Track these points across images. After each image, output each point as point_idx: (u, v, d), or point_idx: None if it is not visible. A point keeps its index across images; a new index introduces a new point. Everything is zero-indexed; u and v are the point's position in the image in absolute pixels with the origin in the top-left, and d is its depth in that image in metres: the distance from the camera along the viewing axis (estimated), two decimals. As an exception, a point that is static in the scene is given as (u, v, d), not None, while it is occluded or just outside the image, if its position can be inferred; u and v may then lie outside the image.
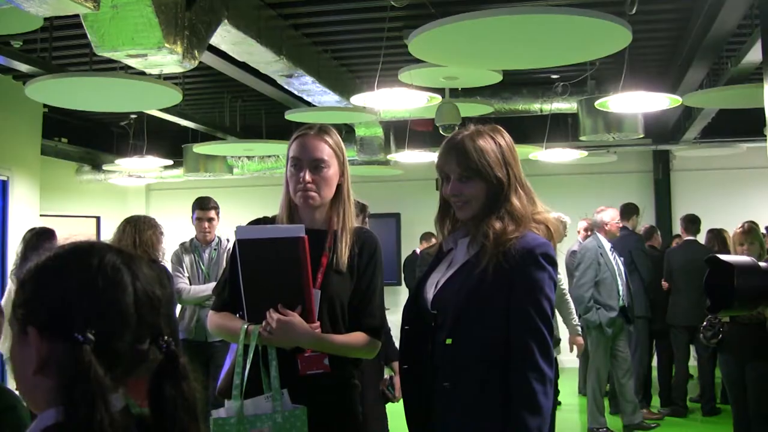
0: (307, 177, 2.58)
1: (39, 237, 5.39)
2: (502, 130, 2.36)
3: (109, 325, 1.24)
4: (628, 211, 7.90)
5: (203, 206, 5.92)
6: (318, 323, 2.47)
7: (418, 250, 9.96)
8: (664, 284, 7.84)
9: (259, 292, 2.47)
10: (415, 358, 2.30)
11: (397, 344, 2.72)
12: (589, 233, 8.23)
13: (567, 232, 6.88)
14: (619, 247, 7.56)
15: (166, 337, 1.31)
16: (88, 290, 1.25)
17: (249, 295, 2.47)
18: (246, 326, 2.47)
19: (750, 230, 5.47)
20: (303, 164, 2.59)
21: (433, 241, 9.67)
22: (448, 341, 2.19)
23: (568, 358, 9.36)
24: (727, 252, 7.88)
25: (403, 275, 10.90)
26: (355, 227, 2.69)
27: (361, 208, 4.30)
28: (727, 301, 2.02)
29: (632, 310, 6.98)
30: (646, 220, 10.09)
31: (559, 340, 5.75)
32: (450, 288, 2.27)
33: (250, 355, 2.42)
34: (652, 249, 8.23)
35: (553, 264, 2.20)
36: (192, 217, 5.98)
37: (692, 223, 7.94)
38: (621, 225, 7.44)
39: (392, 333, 4.08)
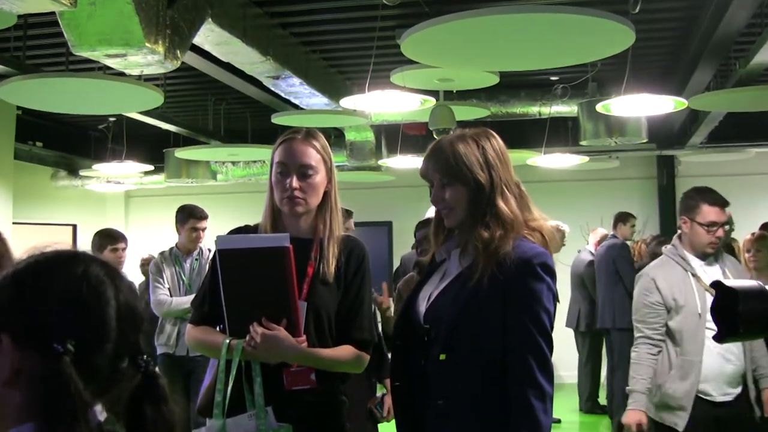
0: (295, 183, 2.57)
1: None
2: (492, 134, 2.36)
3: (90, 338, 1.24)
4: (621, 218, 8.04)
5: (200, 216, 5.94)
6: (304, 337, 2.46)
7: None
8: None
9: (242, 304, 2.46)
10: (407, 374, 2.29)
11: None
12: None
13: (566, 241, 6.92)
14: (605, 257, 7.64)
15: (145, 357, 1.30)
16: (70, 300, 1.24)
17: (230, 308, 2.46)
18: (228, 341, 2.45)
19: (761, 238, 5.47)
20: (290, 170, 2.59)
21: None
22: (442, 357, 2.18)
23: (567, 373, 9.37)
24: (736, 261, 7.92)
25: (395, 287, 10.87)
26: (342, 235, 2.69)
27: (346, 214, 4.31)
28: (733, 328, 2.01)
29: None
30: (650, 228, 10.12)
31: None
32: (443, 301, 2.27)
33: (233, 372, 2.41)
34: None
35: (552, 274, 2.20)
36: (178, 225, 5.97)
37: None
38: (608, 233, 7.56)
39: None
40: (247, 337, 2.42)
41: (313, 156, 2.61)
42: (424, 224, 4.67)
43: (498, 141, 2.34)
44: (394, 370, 2.37)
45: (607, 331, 7.86)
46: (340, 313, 2.60)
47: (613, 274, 7.58)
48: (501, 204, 2.25)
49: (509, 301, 2.16)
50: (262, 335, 2.40)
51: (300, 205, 2.59)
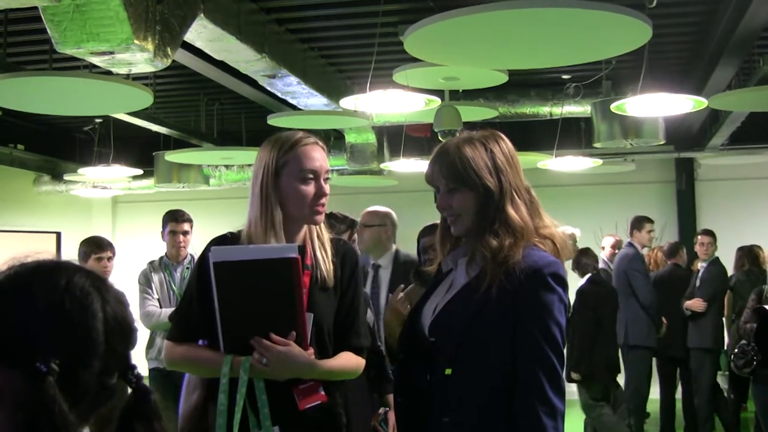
0: (328, 190, 2.65)
1: None
2: (501, 136, 2.37)
3: (76, 355, 1.23)
4: (636, 223, 7.97)
5: (177, 218, 5.92)
6: (312, 350, 2.49)
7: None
8: (695, 304, 7.77)
9: (242, 319, 2.47)
10: (412, 390, 2.30)
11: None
12: (616, 250, 8.29)
13: (576, 247, 6.94)
14: (616, 268, 7.63)
15: (136, 371, 1.29)
16: (53, 314, 1.23)
17: (227, 323, 2.46)
18: (231, 358, 2.46)
19: None
20: (319, 176, 2.64)
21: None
22: (448, 371, 2.19)
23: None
24: (759, 270, 7.91)
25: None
26: (331, 238, 2.74)
27: (350, 224, 4.29)
28: None
29: None
30: (668, 235, 10.10)
31: None
32: (449, 313, 2.27)
33: (242, 390, 2.42)
34: (676, 267, 8.24)
35: (564, 285, 2.20)
36: (163, 232, 5.98)
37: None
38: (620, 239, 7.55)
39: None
40: (255, 354, 2.43)
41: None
42: (429, 230, 4.62)
43: (507, 143, 2.35)
44: (398, 385, 2.39)
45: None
46: (338, 319, 2.65)
47: (626, 287, 7.56)
48: (510, 210, 2.25)
49: (518, 313, 2.16)
50: (275, 351, 2.41)
51: (323, 213, 2.65)
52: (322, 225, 2.71)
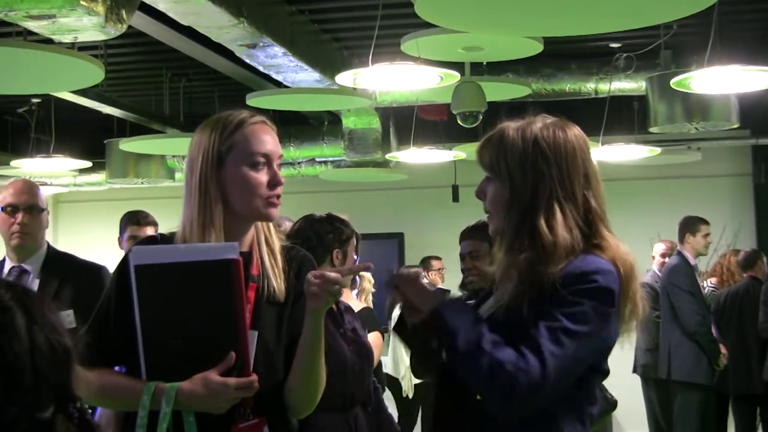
0: (282, 180, 2.64)
1: None
2: (570, 127, 2.43)
3: None
4: (687, 226, 7.92)
5: (139, 221, 5.92)
6: (255, 377, 2.48)
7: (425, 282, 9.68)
8: None
9: (168, 336, 2.46)
10: (448, 418, 2.42)
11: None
12: (666, 259, 8.26)
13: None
14: (660, 283, 7.61)
15: (79, 404, 1.30)
16: None
17: (150, 342, 2.45)
18: (154, 385, 2.45)
19: None
20: (272, 162, 2.65)
21: (434, 264, 9.65)
22: (479, 397, 2.28)
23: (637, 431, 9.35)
24: None
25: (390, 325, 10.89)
26: (283, 245, 2.75)
27: (353, 230, 4.26)
28: None
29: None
30: (743, 240, 10.09)
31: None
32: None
33: (164, 426, 2.40)
34: (753, 281, 8.19)
35: (607, 298, 2.25)
36: (121, 238, 5.98)
37: None
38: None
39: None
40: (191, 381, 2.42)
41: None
42: (471, 232, 4.54)
43: (571, 137, 2.40)
44: (436, 414, 2.50)
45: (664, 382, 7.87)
46: (291, 341, 2.64)
47: (669, 308, 7.55)
48: (540, 222, 2.31)
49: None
50: (208, 380, 2.41)
51: (278, 207, 2.65)
52: (272, 228, 2.73)
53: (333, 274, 2.41)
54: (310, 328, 2.51)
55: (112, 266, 6.11)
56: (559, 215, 2.31)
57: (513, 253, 2.34)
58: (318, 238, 3.97)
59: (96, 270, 4.61)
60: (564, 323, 2.19)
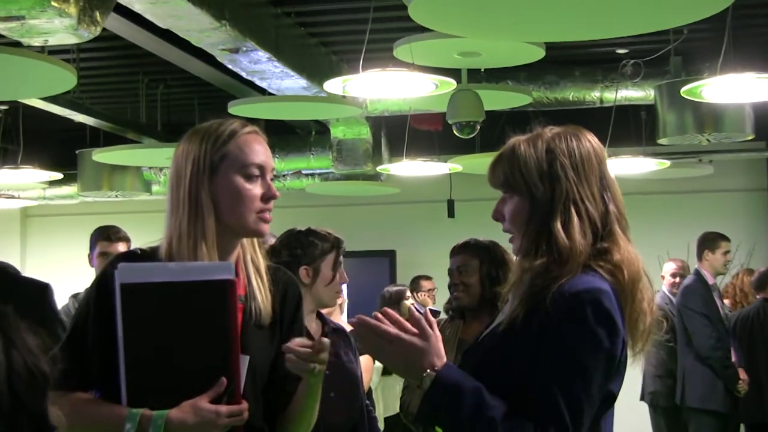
0: (277, 193, 2.67)
1: None
2: (584, 134, 2.52)
3: None
4: (707, 243, 7.91)
5: (110, 237, 5.93)
6: (246, 404, 2.48)
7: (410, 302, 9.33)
8: None
9: (154, 360, 2.45)
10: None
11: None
12: (678, 280, 8.26)
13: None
14: (676, 305, 7.64)
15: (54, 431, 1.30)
16: None
17: (135, 366, 2.43)
18: (138, 413, 2.42)
19: None
20: (266, 174, 2.67)
21: (424, 284, 9.62)
22: None
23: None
24: None
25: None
26: (268, 265, 2.77)
27: (335, 243, 4.23)
28: None
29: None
30: (758, 259, 10.10)
31: None
32: (479, 348, 2.47)
33: None
34: (766, 303, 8.18)
35: (605, 320, 2.25)
36: (91, 255, 5.98)
37: None
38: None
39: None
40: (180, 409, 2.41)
41: None
42: (463, 248, 4.59)
43: (585, 144, 2.49)
44: None
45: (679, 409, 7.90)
46: (277, 365, 2.66)
47: (683, 331, 7.56)
48: (556, 225, 2.35)
49: (538, 350, 2.25)
50: (198, 408, 2.40)
51: (269, 223, 2.67)
52: (258, 246, 2.74)
53: (304, 350, 2.46)
54: (304, 387, 2.61)
55: (84, 285, 6.12)
56: (575, 219, 2.35)
57: (529, 259, 2.37)
58: (290, 253, 3.99)
59: (41, 288, 4.64)
60: (566, 367, 2.22)
